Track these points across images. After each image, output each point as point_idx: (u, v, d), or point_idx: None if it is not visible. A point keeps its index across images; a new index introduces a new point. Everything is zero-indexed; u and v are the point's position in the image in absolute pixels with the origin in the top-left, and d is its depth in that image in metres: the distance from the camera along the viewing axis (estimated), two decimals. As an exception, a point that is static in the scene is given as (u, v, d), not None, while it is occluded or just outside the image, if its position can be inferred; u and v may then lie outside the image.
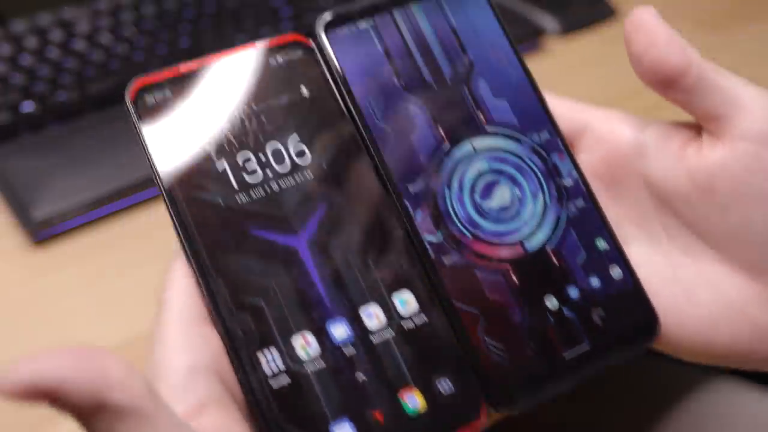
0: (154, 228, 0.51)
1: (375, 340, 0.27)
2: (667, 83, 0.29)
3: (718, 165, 0.29)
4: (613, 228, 0.31)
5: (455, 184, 0.30)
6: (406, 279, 0.28)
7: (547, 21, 0.69)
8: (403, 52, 0.31)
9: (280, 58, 0.29)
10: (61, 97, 0.55)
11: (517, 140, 0.31)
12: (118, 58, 0.59)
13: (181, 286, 0.28)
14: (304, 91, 0.29)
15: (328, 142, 0.29)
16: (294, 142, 0.29)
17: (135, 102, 0.28)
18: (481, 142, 0.31)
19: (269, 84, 0.29)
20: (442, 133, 0.30)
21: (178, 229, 0.27)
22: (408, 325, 0.27)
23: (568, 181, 0.31)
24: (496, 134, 0.31)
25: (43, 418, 0.40)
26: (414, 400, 0.26)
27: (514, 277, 0.29)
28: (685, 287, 0.30)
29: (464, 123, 0.31)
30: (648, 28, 0.29)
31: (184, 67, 0.29)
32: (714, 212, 0.29)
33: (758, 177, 0.28)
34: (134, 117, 0.28)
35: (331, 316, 0.27)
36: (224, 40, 0.61)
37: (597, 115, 0.33)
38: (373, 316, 0.27)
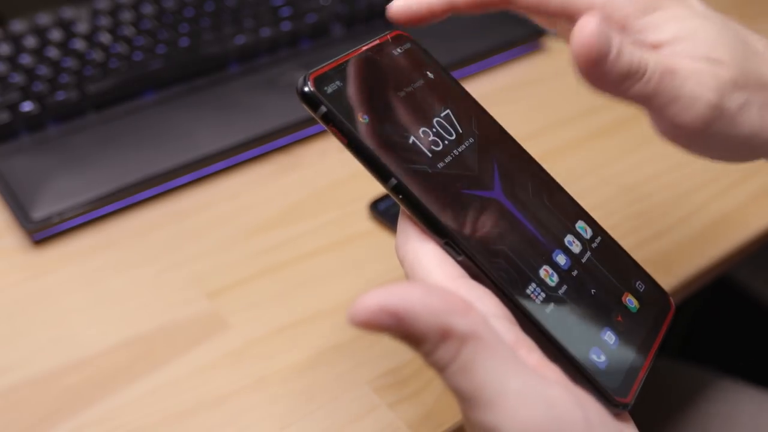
0: (153, 228, 0.51)
1: (584, 260, 0.31)
2: None
3: None
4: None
5: None
6: (573, 212, 0.33)
7: (547, 21, 0.69)
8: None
9: (399, 49, 0.33)
10: (61, 97, 0.55)
11: None
12: (117, 58, 0.59)
13: (429, 258, 0.29)
14: (429, 74, 0.33)
15: (468, 111, 0.33)
16: (447, 114, 0.32)
17: (319, 91, 0.29)
18: None
19: (405, 71, 0.33)
20: None
21: (414, 202, 0.29)
22: (594, 245, 0.32)
23: None
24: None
25: (42, 418, 0.40)
26: (631, 301, 0.32)
27: None
28: None
29: None
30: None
31: (340, 59, 0.31)
32: None
33: None
34: (326, 104, 0.29)
35: (551, 249, 0.31)
36: (224, 40, 0.61)
37: None
38: (573, 243, 0.32)
